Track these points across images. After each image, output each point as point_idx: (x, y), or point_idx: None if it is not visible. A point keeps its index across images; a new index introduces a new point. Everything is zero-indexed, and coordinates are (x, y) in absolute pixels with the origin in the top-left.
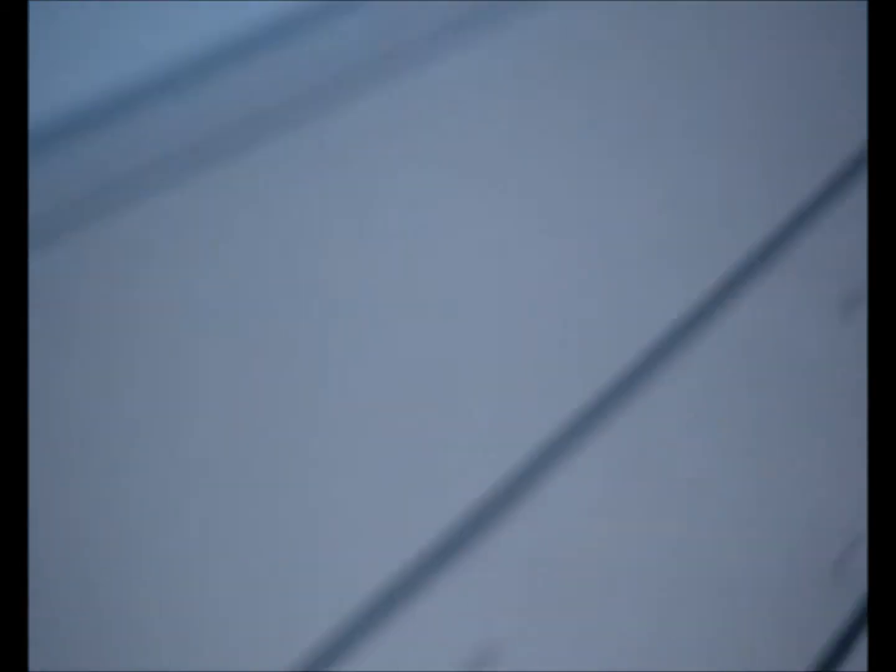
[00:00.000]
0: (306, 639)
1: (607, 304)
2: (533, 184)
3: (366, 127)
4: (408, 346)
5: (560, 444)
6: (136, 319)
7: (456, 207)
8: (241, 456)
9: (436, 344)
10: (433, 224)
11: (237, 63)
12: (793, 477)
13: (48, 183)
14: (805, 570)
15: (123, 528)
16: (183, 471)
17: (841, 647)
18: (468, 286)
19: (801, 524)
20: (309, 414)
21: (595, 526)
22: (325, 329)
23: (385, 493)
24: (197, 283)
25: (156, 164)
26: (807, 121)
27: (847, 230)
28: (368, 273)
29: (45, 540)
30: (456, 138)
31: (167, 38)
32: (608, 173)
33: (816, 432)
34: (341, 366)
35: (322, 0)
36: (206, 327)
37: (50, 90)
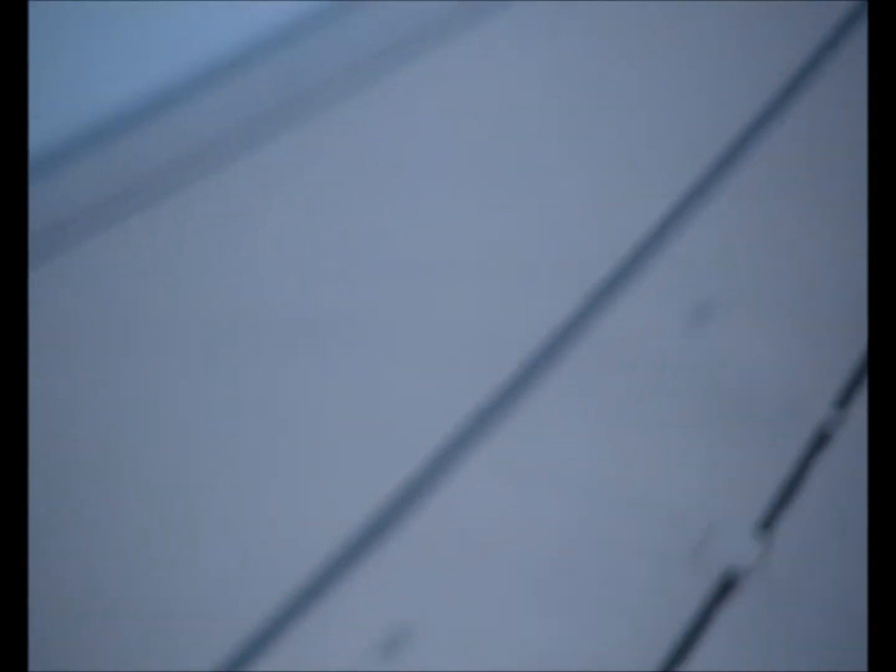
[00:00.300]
0: (226, 634)
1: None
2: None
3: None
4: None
5: (460, 443)
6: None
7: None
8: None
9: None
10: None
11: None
12: (650, 467)
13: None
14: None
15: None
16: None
17: (690, 639)
18: None
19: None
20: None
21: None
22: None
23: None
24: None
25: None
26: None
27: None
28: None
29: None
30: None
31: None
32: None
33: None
34: None
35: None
36: None
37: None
